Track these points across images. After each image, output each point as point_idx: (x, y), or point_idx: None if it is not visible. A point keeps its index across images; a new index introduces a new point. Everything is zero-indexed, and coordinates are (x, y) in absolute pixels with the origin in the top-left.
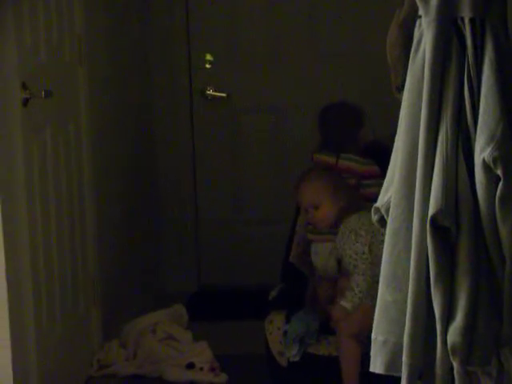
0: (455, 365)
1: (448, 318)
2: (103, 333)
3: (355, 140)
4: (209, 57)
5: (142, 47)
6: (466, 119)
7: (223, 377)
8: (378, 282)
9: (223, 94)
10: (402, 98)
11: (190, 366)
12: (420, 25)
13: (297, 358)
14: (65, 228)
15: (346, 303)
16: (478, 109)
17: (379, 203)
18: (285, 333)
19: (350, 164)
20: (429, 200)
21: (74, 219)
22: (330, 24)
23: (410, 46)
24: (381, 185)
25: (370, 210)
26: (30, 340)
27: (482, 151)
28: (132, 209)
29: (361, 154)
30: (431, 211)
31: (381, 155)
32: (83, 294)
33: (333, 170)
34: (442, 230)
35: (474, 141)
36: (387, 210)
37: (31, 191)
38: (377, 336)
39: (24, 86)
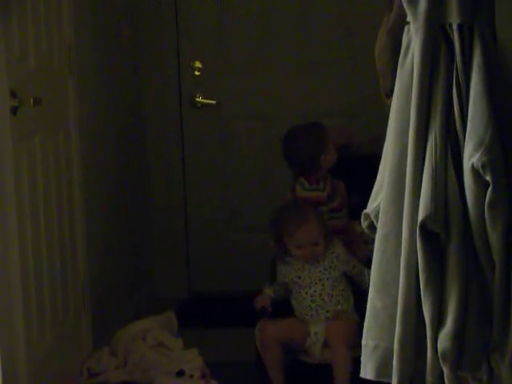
0: (445, 370)
1: (438, 323)
2: (93, 340)
3: (317, 166)
4: (198, 64)
5: (132, 55)
6: (455, 125)
7: None
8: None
9: (212, 102)
10: (390, 104)
11: (181, 373)
12: (408, 31)
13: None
14: (54, 235)
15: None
16: (467, 114)
17: (369, 209)
18: None
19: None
20: (418, 206)
21: (64, 226)
22: (320, 32)
23: (399, 53)
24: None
25: None
26: (19, 348)
27: (471, 156)
28: (122, 216)
29: (315, 179)
30: (421, 217)
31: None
32: (73, 302)
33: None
34: (432, 236)
35: (463, 146)
36: (377, 216)
37: (21, 199)
38: (367, 341)
39: (13, 94)
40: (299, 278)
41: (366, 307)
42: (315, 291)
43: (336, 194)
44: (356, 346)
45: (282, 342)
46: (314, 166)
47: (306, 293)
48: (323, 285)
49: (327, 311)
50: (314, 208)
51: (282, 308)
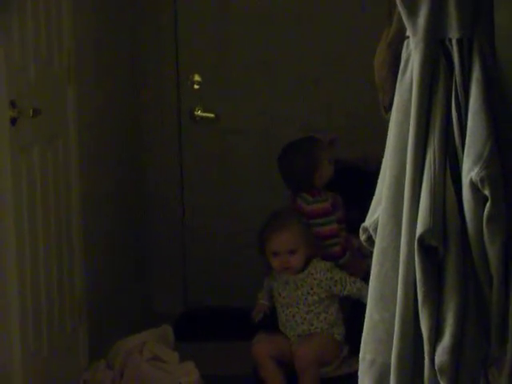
0: None
1: (436, 337)
2: (90, 353)
3: (312, 184)
4: (197, 77)
5: (131, 67)
6: (454, 139)
7: None
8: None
9: (211, 115)
10: (389, 118)
11: None
12: (408, 45)
13: None
14: (52, 247)
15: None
16: (466, 129)
17: (367, 222)
18: None
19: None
20: (417, 219)
21: (62, 238)
22: (319, 47)
23: (398, 67)
24: (329, 222)
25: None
26: (16, 360)
27: (470, 171)
28: (119, 228)
29: (316, 191)
30: (419, 230)
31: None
32: (70, 315)
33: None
34: (430, 250)
35: (462, 160)
36: (375, 230)
37: (19, 209)
38: (365, 355)
39: (12, 105)
40: (279, 295)
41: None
42: (290, 312)
43: (336, 207)
44: (329, 363)
45: (275, 358)
46: (309, 184)
47: (283, 311)
48: (298, 308)
49: (298, 332)
50: (300, 218)
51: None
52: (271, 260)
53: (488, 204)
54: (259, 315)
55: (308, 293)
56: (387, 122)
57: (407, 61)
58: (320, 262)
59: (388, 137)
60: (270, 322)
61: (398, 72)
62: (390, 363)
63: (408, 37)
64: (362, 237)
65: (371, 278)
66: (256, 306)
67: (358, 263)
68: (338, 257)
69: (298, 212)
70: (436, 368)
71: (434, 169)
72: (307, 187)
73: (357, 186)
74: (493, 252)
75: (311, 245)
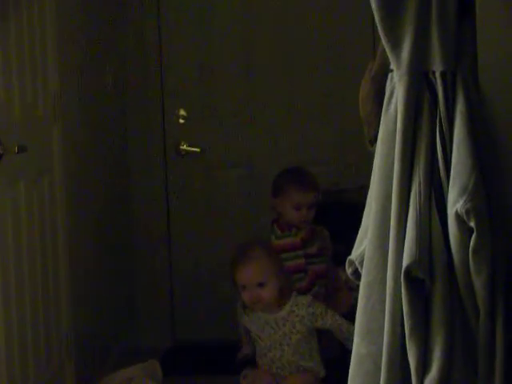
0: None
1: (423, 370)
2: None
3: (275, 210)
4: (182, 112)
5: (117, 103)
6: (439, 171)
7: None
8: None
9: (197, 149)
10: (374, 151)
11: None
12: (392, 78)
13: None
14: (38, 284)
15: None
16: (451, 161)
17: (353, 255)
18: None
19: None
20: (402, 252)
21: (48, 273)
22: (304, 79)
23: (383, 100)
24: (296, 257)
25: None
26: None
27: (455, 203)
28: (106, 263)
29: (286, 226)
30: (405, 263)
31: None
32: (57, 351)
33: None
34: (417, 282)
35: (447, 192)
36: (361, 263)
37: (4, 245)
38: None
39: None
40: (259, 337)
41: (350, 356)
42: (275, 355)
43: (314, 239)
44: None
45: None
46: (273, 210)
47: (265, 354)
48: (283, 350)
49: (286, 374)
50: (269, 249)
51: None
52: (242, 294)
53: (474, 236)
54: (242, 355)
55: (291, 332)
56: (372, 154)
57: (391, 93)
58: (299, 296)
59: (373, 169)
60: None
61: (382, 105)
62: None
63: (392, 70)
64: (349, 270)
65: (358, 311)
66: (238, 355)
67: (344, 297)
68: (303, 292)
69: (269, 244)
70: None
71: (420, 200)
72: (277, 216)
73: (346, 218)
74: (479, 284)
75: (283, 277)
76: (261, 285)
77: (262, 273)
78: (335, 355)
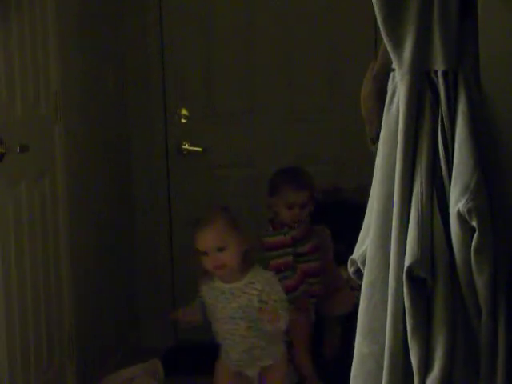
0: None
1: (425, 369)
2: None
3: (270, 208)
4: (184, 111)
5: (119, 102)
6: (441, 170)
7: None
8: None
9: (199, 149)
10: (376, 150)
11: None
12: (394, 78)
13: None
14: (40, 283)
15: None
16: (453, 160)
17: (355, 255)
18: None
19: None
20: (404, 251)
21: (50, 273)
22: (305, 79)
23: (384, 99)
24: (284, 255)
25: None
26: None
27: (457, 202)
28: (108, 263)
29: (283, 224)
30: (407, 262)
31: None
32: (58, 350)
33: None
34: (418, 282)
35: (449, 192)
36: (363, 262)
37: (6, 245)
38: None
39: (0, 141)
40: (215, 309)
41: (352, 353)
42: (226, 330)
43: (308, 238)
44: None
45: None
46: (268, 208)
47: (218, 329)
48: (237, 324)
49: (237, 354)
50: (227, 214)
51: None
52: (203, 261)
53: (476, 235)
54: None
55: (247, 305)
56: (374, 154)
57: (393, 93)
58: (264, 271)
59: (375, 168)
60: None
61: (384, 103)
62: None
63: (394, 69)
64: (351, 269)
65: (360, 310)
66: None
67: (346, 296)
68: (288, 291)
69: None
70: None
71: (422, 200)
72: (272, 214)
73: (347, 218)
74: (481, 283)
75: (245, 242)
76: (220, 249)
77: (220, 237)
78: (335, 355)
